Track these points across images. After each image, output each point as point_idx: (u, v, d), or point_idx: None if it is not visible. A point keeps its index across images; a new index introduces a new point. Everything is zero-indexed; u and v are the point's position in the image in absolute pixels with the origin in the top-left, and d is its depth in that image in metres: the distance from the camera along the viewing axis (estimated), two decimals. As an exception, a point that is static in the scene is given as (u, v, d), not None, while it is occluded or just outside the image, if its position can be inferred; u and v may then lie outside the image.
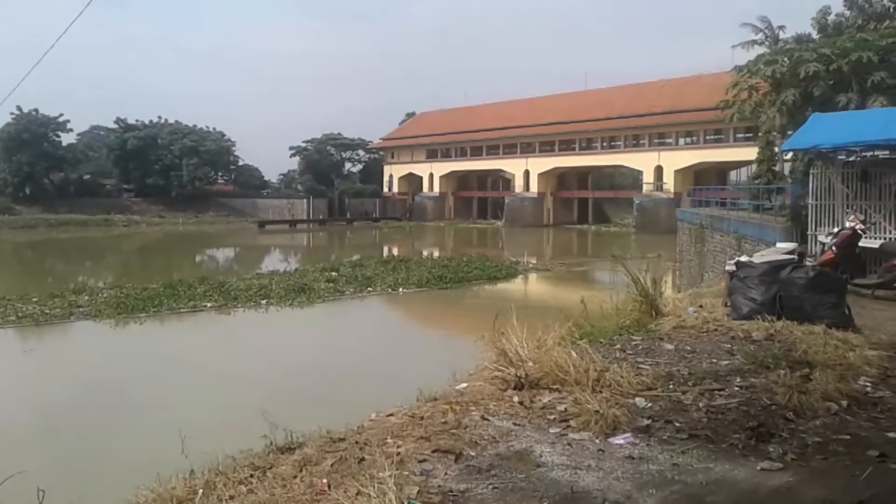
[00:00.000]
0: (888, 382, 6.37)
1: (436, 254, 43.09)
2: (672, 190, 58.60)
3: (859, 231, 11.56)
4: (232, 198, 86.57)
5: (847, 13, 22.66)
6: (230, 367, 14.66)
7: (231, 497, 4.10)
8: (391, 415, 5.36)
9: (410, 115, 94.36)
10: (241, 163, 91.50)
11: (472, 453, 4.56)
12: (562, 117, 66.91)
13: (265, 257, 46.24)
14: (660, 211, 56.45)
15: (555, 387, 5.95)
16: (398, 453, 4.46)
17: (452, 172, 79.98)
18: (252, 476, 4.35)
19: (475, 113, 78.48)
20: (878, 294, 11.02)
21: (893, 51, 19.03)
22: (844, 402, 5.67)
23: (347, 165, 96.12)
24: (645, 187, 62.49)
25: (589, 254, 48.52)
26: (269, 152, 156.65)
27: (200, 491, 4.21)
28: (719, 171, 59.02)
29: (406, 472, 4.20)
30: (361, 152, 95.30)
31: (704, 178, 57.90)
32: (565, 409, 5.46)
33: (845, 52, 18.81)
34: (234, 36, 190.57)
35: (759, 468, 4.46)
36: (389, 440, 4.72)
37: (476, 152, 76.80)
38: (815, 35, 23.24)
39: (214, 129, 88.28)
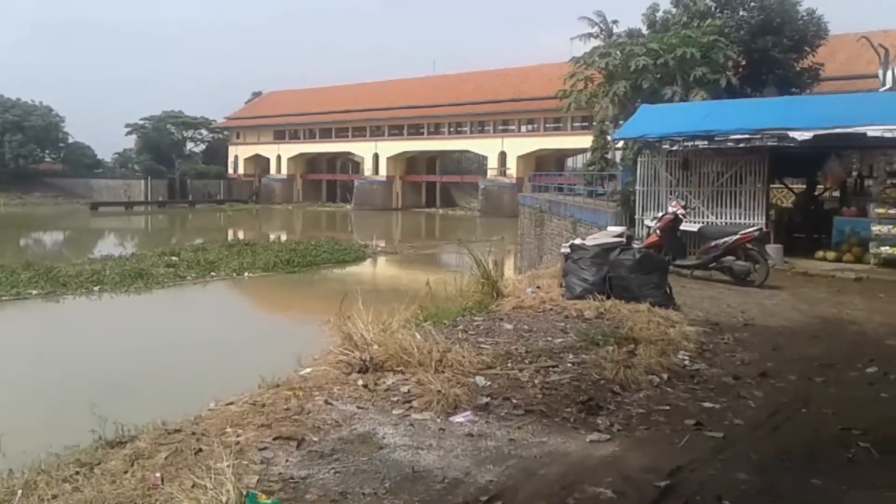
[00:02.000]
0: (704, 356, 6.95)
1: (284, 237, 42.12)
2: (515, 175, 60.49)
3: (680, 216, 12.47)
4: (61, 178, 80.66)
5: (673, 11, 24.16)
6: (57, 358, 13.71)
7: (54, 496, 3.85)
8: (231, 403, 5.22)
9: (257, 94, 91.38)
10: (70, 140, 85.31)
11: (315, 439, 4.54)
12: (411, 102, 67.27)
13: (99, 241, 43.30)
14: (503, 195, 58.13)
15: (399, 369, 6.02)
16: (237, 442, 4.36)
17: (301, 154, 78.43)
18: (78, 473, 4.10)
19: (324, 94, 77.21)
20: (697, 274, 11.96)
21: (714, 48, 20.56)
22: (665, 375, 6.13)
23: (190, 145, 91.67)
24: (490, 172, 64.08)
25: (437, 237, 49.20)
26: (103, 130, 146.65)
27: (20, 491, 3.93)
28: (558, 158, 61.59)
29: (245, 462, 4.12)
30: (205, 132, 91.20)
31: (545, 164, 60.21)
32: (409, 391, 5.55)
33: (671, 47, 20.14)
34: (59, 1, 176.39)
35: (588, 440, 4.73)
36: (229, 429, 4.61)
37: (325, 134, 75.70)
38: (644, 30, 24.60)
39: (41, 103, 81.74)
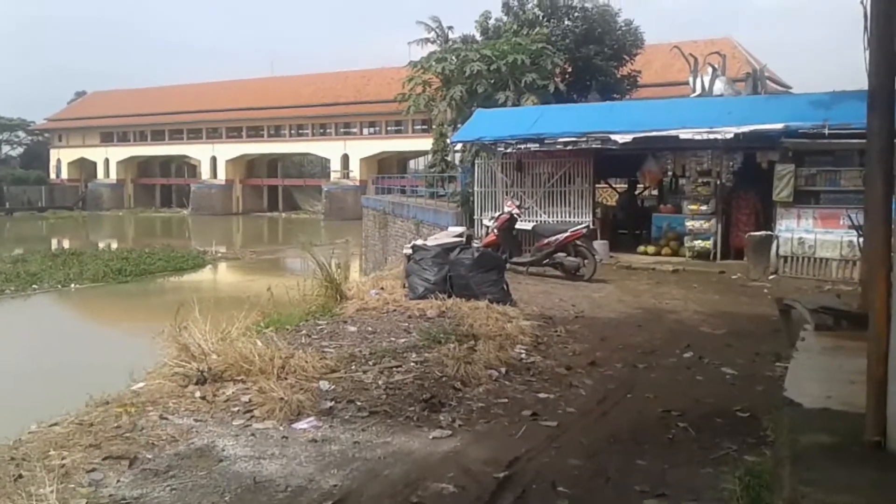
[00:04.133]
0: (539, 349, 7.29)
1: (114, 245, 39.73)
2: (358, 178, 60.39)
3: (515, 215, 12.99)
4: None
5: (504, 18, 25.04)
6: None
7: None
8: (55, 424, 4.88)
9: (81, 94, 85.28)
10: None
11: (149, 456, 4.35)
12: (249, 103, 65.30)
13: None
14: (347, 198, 57.89)
15: (240, 378, 5.87)
16: (63, 465, 4.10)
17: (132, 158, 74.06)
18: None
19: (156, 94, 73.30)
20: (532, 270, 12.50)
21: (542, 55, 21.49)
22: (503, 369, 6.38)
23: (6, 149, 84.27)
24: (333, 175, 63.58)
25: (280, 241, 48.19)
26: None
27: None
28: (401, 160, 62.05)
29: (72, 485, 3.88)
30: (22, 134, 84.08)
31: (388, 167, 60.53)
32: (250, 400, 5.43)
33: (503, 54, 20.88)
34: None
35: (431, 437, 4.84)
36: (53, 452, 4.32)
37: (157, 136, 71.92)
38: (478, 37, 25.35)
39: None
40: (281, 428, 4.94)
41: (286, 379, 5.79)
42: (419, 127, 52.01)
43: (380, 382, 5.91)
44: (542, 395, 5.82)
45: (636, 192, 19.92)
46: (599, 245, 14.25)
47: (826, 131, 11.84)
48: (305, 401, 5.33)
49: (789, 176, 12.40)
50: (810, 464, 2.82)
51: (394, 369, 6.26)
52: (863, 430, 2.98)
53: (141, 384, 5.88)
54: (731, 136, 13.17)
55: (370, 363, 6.42)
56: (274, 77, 71.28)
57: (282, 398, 5.29)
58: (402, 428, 5.01)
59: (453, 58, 21.64)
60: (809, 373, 4.09)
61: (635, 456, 4.55)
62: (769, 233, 12.61)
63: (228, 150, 67.83)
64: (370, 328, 7.83)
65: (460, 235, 12.28)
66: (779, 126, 12.49)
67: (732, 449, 4.56)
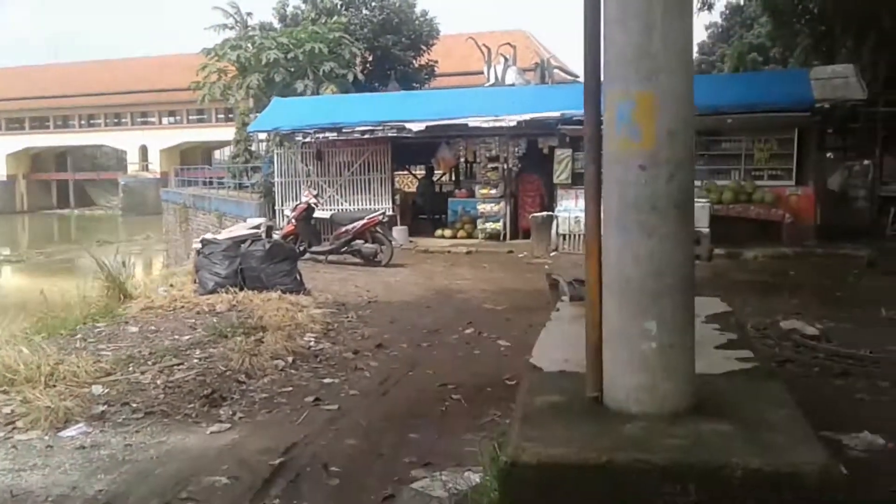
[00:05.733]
0: (328, 335, 7.38)
1: None
2: (159, 170, 57.25)
3: (313, 204, 13.00)
4: None
5: (303, 6, 24.79)
6: None
7: None
8: None
9: None
10: None
11: None
12: (32, 92, 59.65)
13: None
14: (147, 192, 54.68)
15: (3, 389, 5.49)
16: None
17: None
18: None
19: None
20: (331, 259, 12.58)
21: (340, 44, 21.55)
22: (291, 359, 6.40)
23: None
24: (130, 167, 59.84)
25: (73, 240, 44.71)
26: None
27: None
28: (205, 151, 59.56)
29: None
30: None
31: (191, 158, 57.80)
32: (12, 411, 5.09)
33: (300, 42, 20.72)
34: None
35: (209, 432, 4.79)
36: None
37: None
38: (276, 24, 24.91)
39: None
40: (46, 437, 4.68)
41: (55, 386, 5.47)
42: (222, 116, 50.17)
43: (158, 382, 5.74)
44: (327, 381, 5.92)
45: (434, 179, 20.49)
46: (398, 231, 14.59)
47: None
48: (75, 407, 5.08)
49: (567, 160, 13.37)
50: (536, 421, 3.12)
51: (175, 367, 6.10)
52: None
53: None
54: (515, 123, 13.94)
55: (150, 363, 6.21)
56: (59, 64, 65.57)
57: (48, 406, 5.00)
58: (180, 426, 4.91)
59: (249, 45, 21.16)
60: (555, 339, 4.48)
61: (410, 430, 4.76)
62: (550, 213, 13.52)
63: (9, 144, 61.71)
64: (153, 327, 7.55)
65: (258, 227, 12.07)
66: (556, 114, 13.39)
67: (497, 415, 4.90)
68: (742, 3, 27.40)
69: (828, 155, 16.60)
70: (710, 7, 21.16)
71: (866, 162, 14.19)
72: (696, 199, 12.29)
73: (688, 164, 3.11)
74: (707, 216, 12.32)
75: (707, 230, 12.22)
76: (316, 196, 13.50)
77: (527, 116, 13.87)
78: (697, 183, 13.83)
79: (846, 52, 18.69)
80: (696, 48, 40.38)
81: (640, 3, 3.02)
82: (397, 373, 6.11)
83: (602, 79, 3.24)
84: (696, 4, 21.27)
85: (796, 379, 5.60)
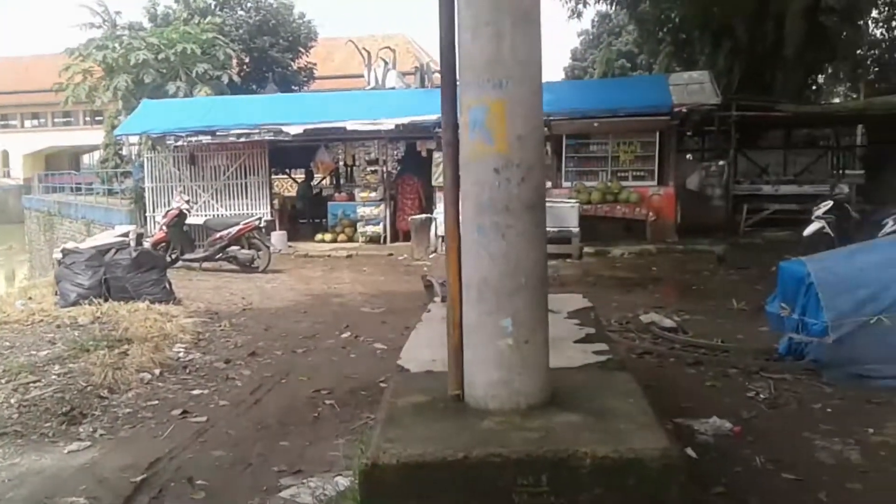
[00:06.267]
0: (199, 345, 7.18)
1: None
2: (22, 176, 53.69)
3: (185, 210, 12.58)
4: None
5: (174, 6, 23.95)
6: None
7: None
8: None
9: None
10: None
11: None
12: None
13: None
14: (7, 199, 51.13)
15: None
16: None
17: None
18: None
19: None
20: (206, 266, 12.22)
21: (214, 45, 20.95)
22: (157, 371, 6.19)
23: None
24: (-12, 173, 55.93)
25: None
26: None
27: None
28: (73, 156, 56.34)
29: None
30: None
31: (58, 163, 54.43)
32: None
33: (172, 42, 20.00)
34: None
35: (66, 451, 4.57)
36: None
37: None
38: (147, 24, 23.95)
39: None
40: None
41: None
42: (90, 119, 47.66)
43: (12, 401, 5.41)
44: (196, 392, 5.76)
45: (313, 182, 20.25)
46: (277, 236, 14.36)
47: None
48: None
49: (445, 163, 13.51)
50: (398, 422, 3.16)
51: (30, 385, 5.77)
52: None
53: None
54: (393, 126, 13.99)
55: (2, 381, 5.84)
56: None
57: None
58: (35, 446, 4.66)
59: (117, 45, 20.22)
60: (423, 340, 4.53)
61: (280, 438, 4.70)
62: (429, 215, 13.65)
63: None
64: (8, 343, 7.10)
65: (125, 235, 11.55)
66: (434, 117, 13.49)
67: (370, 418, 4.91)
68: (610, 12, 28.58)
69: (687, 156, 17.65)
70: (580, 15, 21.96)
71: (721, 163, 15.11)
72: (566, 200, 12.83)
73: (538, 167, 3.23)
74: (577, 216, 12.79)
75: (577, 229, 12.71)
76: (188, 201, 13.07)
77: (405, 120, 13.95)
78: (567, 184, 14.39)
79: (705, 59, 19.88)
80: (569, 54, 41.86)
81: (491, 13, 3.11)
82: (270, 381, 6.02)
83: (458, 85, 3.31)
84: (566, 13, 22.05)
85: (654, 369, 5.92)
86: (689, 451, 4.24)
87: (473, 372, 3.27)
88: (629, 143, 14.52)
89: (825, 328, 5.24)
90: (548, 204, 13.00)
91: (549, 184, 14.58)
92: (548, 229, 12.69)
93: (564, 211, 12.81)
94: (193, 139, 15.18)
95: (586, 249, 12.84)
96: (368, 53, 22.36)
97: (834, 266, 5.58)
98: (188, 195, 13.97)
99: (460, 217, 3.34)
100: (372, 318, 8.42)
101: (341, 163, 16.21)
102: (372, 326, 7.87)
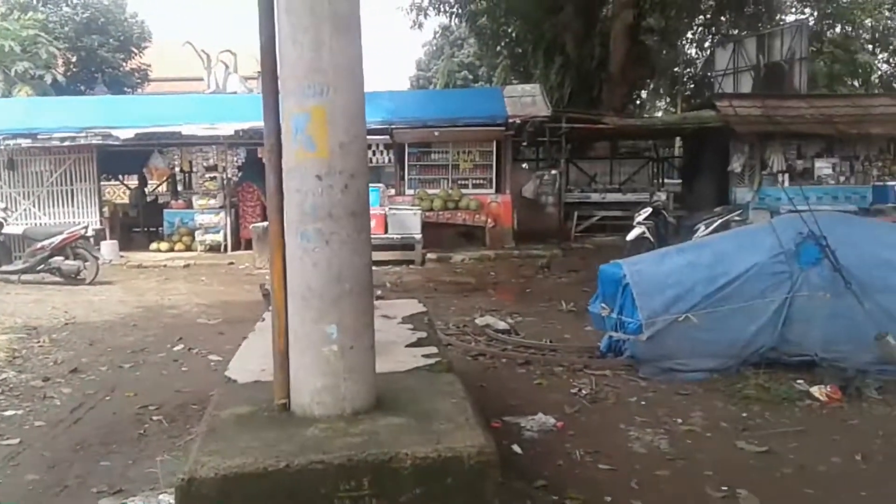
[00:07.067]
0: (14, 363, 6.66)
1: None
2: None
3: (1, 219, 11.64)
4: None
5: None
6: None
7: None
8: None
9: None
10: None
11: None
12: None
13: None
14: None
15: None
16: None
17: None
18: None
19: None
20: (26, 279, 11.31)
21: (36, 42, 19.54)
22: (-39, 394, 5.70)
23: None
24: None
25: None
26: None
27: None
28: None
29: None
30: None
31: None
32: None
33: (-15, 38, 18.46)
34: None
35: None
36: None
37: None
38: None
39: None
40: None
41: None
42: None
43: None
44: (8, 413, 5.35)
45: (148, 189, 19.29)
46: (107, 245, 13.59)
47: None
48: None
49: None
50: (220, 434, 3.09)
51: None
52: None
53: None
54: (233, 132, 13.63)
55: None
56: None
57: None
58: None
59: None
60: (254, 350, 4.45)
61: (101, 458, 4.46)
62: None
63: None
64: None
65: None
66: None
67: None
68: (451, 24, 29.30)
69: (523, 166, 18.43)
70: (421, 26, 22.34)
71: (554, 172, 15.89)
72: (409, 207, 13.04)
73: (361, 174, 3.27)
74: (419, 223, 13.01)
75: (420, 236, 12.91)
76: (5, 209, 12.10)
77: (246, 125, 13.62)
78: (410, 192, 14.61)
79: (539, 74, 20.82)
80: (414, 65, 42.51)
81: (310, 21, 3.12)
82: (93, 398, 5.68)
83: (280, 92, 3.30)
84: (407, 22, 22.42)
85: (487, 370, 6.14)
86: (516, 447, 4.44)
87: (299, 379, 3.26)
88: (468, 151, 14.95)
89: (640, 326, 5.63)
90: (391, 211, 13.26)
91: (392, 191, 14.75)
92: (391, 236, 12.90)
93: (407, 218, 12.99)
94: (11, 142, 14.09)
95: (429, 255, 13.07)
96: (208, 56, 21.69)
97: (647, 268, 6.01)
98: (4, 203, 12.93)
99: (285, 224, 3.32)
100: (208, 329, 8.14)
101: (177, 169, 15.51)
102: (207, 338, 7.61)
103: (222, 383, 3.93)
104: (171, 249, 14.66)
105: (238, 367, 4.11)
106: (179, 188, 17.67)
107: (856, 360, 5.33)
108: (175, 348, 7.22)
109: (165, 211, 15.71)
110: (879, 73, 27.02)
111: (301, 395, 3.24)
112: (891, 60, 26.98)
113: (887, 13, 26.27)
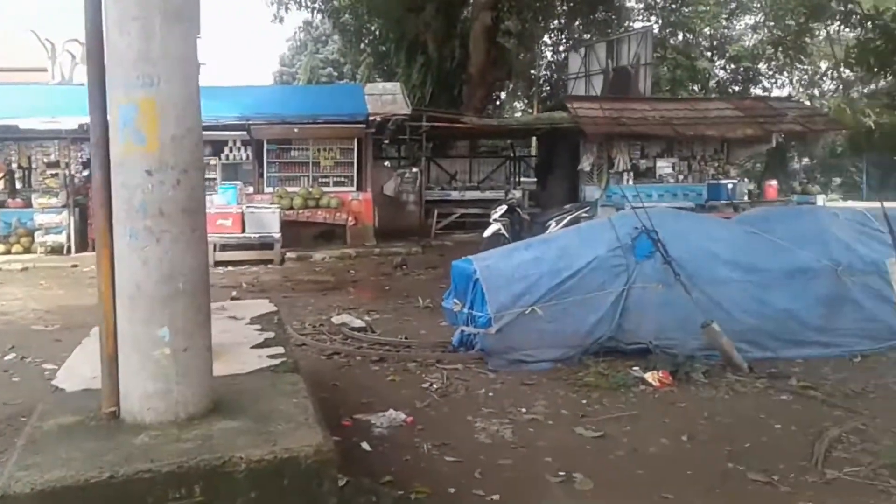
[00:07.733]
0: None
1: None
2: None
3: None
4: None
5: None
6: None
7: None
8: None
9: None
10: None
11: None
12: None
13: None
14: None
15: None
16: None
17: None
18: None
19: None
20: None
21: None
22: None
23: None
24: None
25: None
26: None
27: None
28: None
29: None
30: None
31: None
32: None
33: None
34: None
35: None
36: None
37: None
38: None
39: None
40: None
41: None
42: None
43: None
44: None
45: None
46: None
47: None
48: None
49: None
50: (40, 446, 2.89)
51: None
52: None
53: None
54: (76, 126, 12.85)
55: None
56: None
57: None
58: None
59: None
60: (87, 356, 4.20)
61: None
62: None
63: None
64: None
65: None
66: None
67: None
68: (314, 20, 28.88)
69: (385, 163, 18.47)
70: (282, 20, 21.93)
71: (415, 170, 16.04)
72: (267, 206, 12.74)
73: (195, 169, 3.15)
74: (278, 222, 12.75)
75: (279, 235, 12.67)
76: None
77: (87, 119, 12.81)
78: (270, 190, 14.30)
79: (401, 72, 20.93)
80: (277, 60, 41.58)
81: (139, 8, 2.98)
82: None
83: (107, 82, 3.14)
84: (269, 17, 21.95)
85: (341, 368, 6.10)
86: (365, 444, 4.44)
87: (129, 385, 3.10)
88: (329, 149, 14.81)
89: (489, 320, 5.77)
90: (249, 209, 12.90)
91: (250, 189, 14.36)
92: (249, 235, 12.54)
93: (266, 217, 12.70)
94: None
95: (288, 255, 12.84)
96: (52, 45, 20.39)
97: (496, 264, 6.17)
98: None
99: (113, 222, 3.15)
100: (44, 336, 7.61)
101: (15, 165, 14.35)
102: (43, 346, 7.09)
103: (49, 392, 3.69)
104: (8, 252, 13.56)
105: (67, 375, 3.87)
106: (18, 186, 16.39)
107: (685, 347, 5.70)
108: (6, 357, 6.70)
109: (2, 210, 14.51)
110: (717, 78, 29.01)
111: (131, 402, 3.09)
112: (727, 67, 29.01)
113: (724, 23, 28.28)
